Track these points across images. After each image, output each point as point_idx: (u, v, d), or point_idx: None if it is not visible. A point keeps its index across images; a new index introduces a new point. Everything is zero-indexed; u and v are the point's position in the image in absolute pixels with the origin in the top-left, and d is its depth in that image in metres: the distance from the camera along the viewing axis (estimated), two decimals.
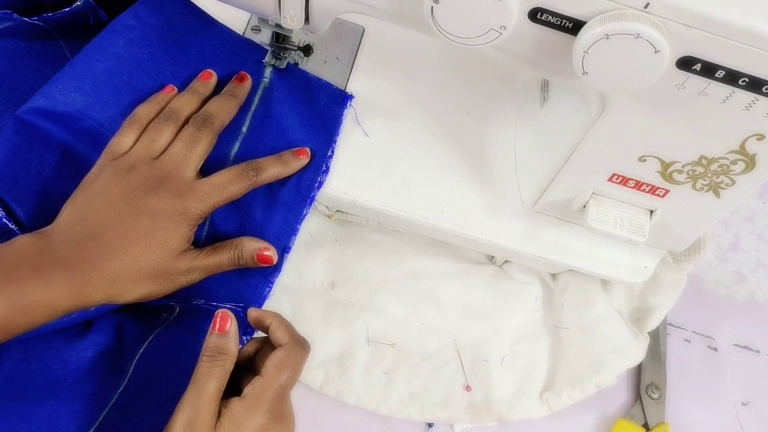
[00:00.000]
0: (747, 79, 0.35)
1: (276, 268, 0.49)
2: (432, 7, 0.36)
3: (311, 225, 0.59)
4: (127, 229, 0.45)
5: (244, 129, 0.51)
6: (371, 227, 0.60)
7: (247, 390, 0.40)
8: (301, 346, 0.42)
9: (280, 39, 0.53)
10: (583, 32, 0.35)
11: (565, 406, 0.55)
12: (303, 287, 0.57)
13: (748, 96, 0.36)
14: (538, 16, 0.36)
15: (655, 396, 0.58)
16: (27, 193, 0.48)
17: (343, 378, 0.54)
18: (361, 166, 0.53)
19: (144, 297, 0.46)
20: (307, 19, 0.44)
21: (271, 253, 0.48)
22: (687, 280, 0.60)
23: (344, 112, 0.53)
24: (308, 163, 0.51)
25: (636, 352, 0.56)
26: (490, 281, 0.59)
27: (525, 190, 0.54)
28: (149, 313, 0.49)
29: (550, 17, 0.36)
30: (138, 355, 0.46)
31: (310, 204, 0.50)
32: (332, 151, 0.52)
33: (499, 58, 0.41)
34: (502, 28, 0.36)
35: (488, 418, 0.55)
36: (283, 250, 0.49)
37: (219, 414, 0.39)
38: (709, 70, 0.35)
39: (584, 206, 0.49)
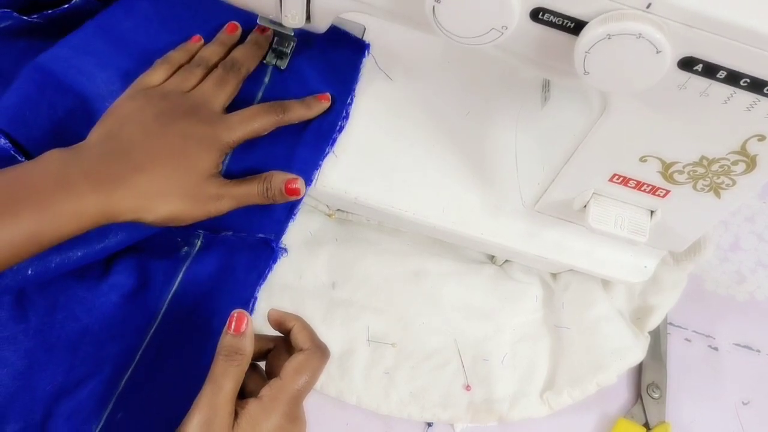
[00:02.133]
0: (748, 80, 0.35)
1: (299, 200, 0.50)
2: (434, 7, 0.36)
3: (311, 224, 0.59)
4: (159, 148, 0.46)
5: (266, 79, 0.53)
6: (372, 227, 0.60)
7: (265, 391, 0.40)
8: (321, 351, 0.42)
9: (282, 39, 0.53)
10: (585, 32, 0.35)
11: (565, 405, 0.55)
12: (303, 287, 0.57)
13: (749, 97, 0.36)
14: (539, 16, 0.36)
15: (656, 395, 0.58)
16: (37, 133, 0.49)
17: (343, 378, 0.54)
18: (362, 165, 0.53)
19: (172, 216, 0.46)
20: (308, 17, 0.44)
21: (299, 184, 0.48)
22: (687, 280, 0.60)
23: (363, 61, 0.54)
24: (329, 108, 0.52)
25: (636, 352, 0.56)
26: (491, 281, 0.59)
27: (525, 189, 0.54)
28: (168, 248, 0.49)
29: (552, 17, 0.36)
30: (170, 294, 0.47)
31: (332, 145, 0.51)
32: (351, 99, 0.53)
33: (500, 58, 0.41)
34: (504, 27, 0.36)
35: (489, 417, 0.55)
36: (307, 183, 0.50)
37: (236, 414, 0.39)
38: (710, 70, 0.35)
39: (585, 206, 0.49)
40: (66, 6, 0.53)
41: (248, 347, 0.41)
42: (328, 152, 0.51)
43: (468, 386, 0.55)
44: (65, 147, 0.45)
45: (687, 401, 0.58)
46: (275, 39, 0.53)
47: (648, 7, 0.33)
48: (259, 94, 0.52)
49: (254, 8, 0.46)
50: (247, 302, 0.47)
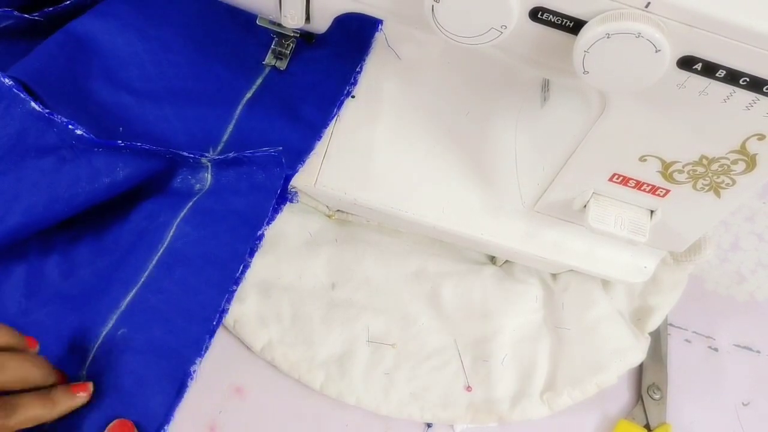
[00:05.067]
0: (748, 79, 0.35)
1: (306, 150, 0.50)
2: (433, 6, 0.36)
3: (311, 225, 0.58)
4: None
5: (259, 81, 0.53)
6: (371, 227, 0.60)
7: None
8: None
9: (282, 39, 0.53)
10: (584, 31, 0.35)
11: (565, 406, 0.55)
12: (303, 287, 0.56)
13: (748, 96, 0.36)
14: (538, 16, 0.36)
15: (657, 396, 0.58)
16: (54, 84, 0.49)
17: (343, 378, 0.54)
18: (362, 165, 0.53)
19: None
20: (307, 18, 0.44)
21: (85, 388, 0.44)
22: (687, 281, 0.60)
23: (375, 35, 0.55)
24: (339, 73, 0.54)
25: (636, 353, 0.56)
26: (491, 281, 0.59)
27: (525, 189, 0.54)
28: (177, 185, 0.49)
29: (551, 16, 0.36)
30: (177, 220, 0.48)
31: (339, 107, 0.52)
32: (361, 68, 0.54)
33: (499, 58, 0.41)
34: (503, 27, 0.36)
35: (489, 418, 0.54)
36: (315, 141, 0.50)
37: None
38: (709, 69, 0.35)
39: (585, 206, 0.48)
40: (67, 3, 0.53)
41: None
42: (336, 114, 0.52)
43: (469, 387, 0.55)
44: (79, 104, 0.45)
45: (687, 402, 0.58)
46: (275, 40, 0.53)
47: (647, 6, 0.34)
48: (248, 95, 0.52)
49: (254, 8, 0.46)
50: (249, 239, 0.47)
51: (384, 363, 0.55)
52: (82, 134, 0.45)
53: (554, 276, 0.61)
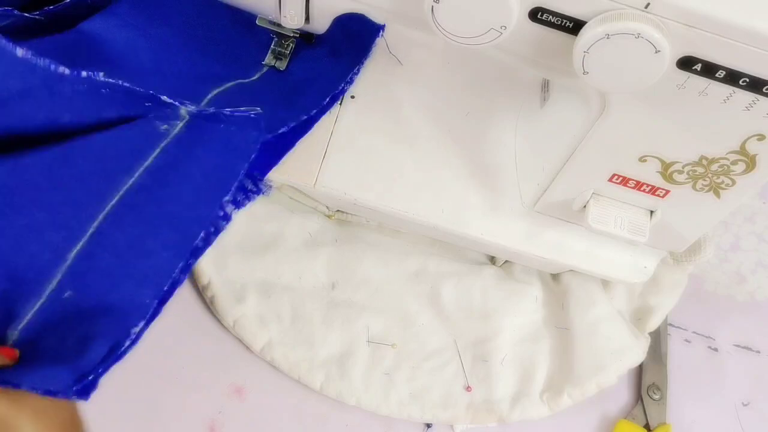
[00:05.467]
0: (747, 80, 0.35)
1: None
2: (432, 7, 0.36)
3: (311, 225, 0.58)
4: None
5: (255, 77, 0.53)
6: (371, 227, 0.60)
7: None
8: None
9: (281, 40, 0.53)
10: (584, 32, 0.35)
11: (565, 406, 0.55)
12: (303, 287, 0.56)
13: (748, 96, 0.36)
14: (538, 16, 0.36)
15: (656, 397, 0.58)
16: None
17: (343, 378, 0.54)
18: (362, 166, 0.53)
19: None
20: (307, 18, 0.44)
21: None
22: (687, 281, 0.60)
23: (376, 40, 0.54)
24: (336, 71, 0.53)
25: (636, 353, 0.56)
26: (491, 281, 0.59)
27: (525, 190, 0.54)
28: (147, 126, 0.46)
29: (551, 17, 0.36)
30: (141, 169, 0.44)
31: (333, 101, 0.52)
32: (358, 69, 0.54)
33: (499, 58, 0.41)
34: (503, 27, 0.36)
35: (489, 418, 0.54)
36: (306, 129, 0.49)
37: None
38: (709, 70, 0.35)
39: (584, 206, 0.48)
40: (68, 1, 0.53)
41: None
42: (329, 107, 0.51)
43: (469, 387, 0.55)
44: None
45: (687, 402, 0.58)
46: (274, 40, 0.53)
47: (647, 6, 0.34)
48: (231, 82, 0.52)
49: (254, 8, 0.46)
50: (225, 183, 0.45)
51: (384, 363, 0.55)
52: (63, 71, 0.41)
53: (554, 276, 0.61)
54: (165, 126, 0.45)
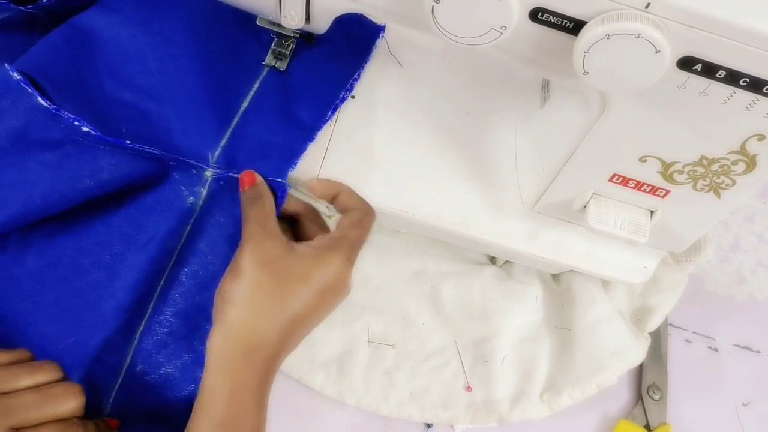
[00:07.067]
0: (748, 80, 0.35)
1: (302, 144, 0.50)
2: (433, 7, 0.36)
3: None
4: None
5: (256, 85, 0.53)
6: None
7: (323, 239, 0.43)
8: (372, 209, 0.47)
9: (281, 40, 0.53)
10: (584, 32, 0.35)
11: (565, 406, 0.55)
12: None
13: (748, 96, 0.36)
14: (538, 16, 0.36)
15: (657, 397, 0.58)
16: (58, 78, 0.49)
17: (343, 378, 0.54)
18: (362, 166, 0.53)
19: None
20: (307, 18, 0.44)
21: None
22: (687, 281, 0.60)
23: (376, 42, 0.55)
24: (337, 77, 0.53)
25: (637, 353, 0.56)
26: (491, 282, 0.59)
27: (525, 190, 0.54)
28: (172, 200, 0.49)
29: (551, 17, 0.36)
30: (179, 245, 0.48)
31: (333, 111, 0.52)
32: (359, 75, 0.54)
33: (499, 58, 0.41)
34: (503, 27, 0.36)
35: (489, 418, 0.54)
36: (307, 142, 0.50)
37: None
38: (709, 70, 0.35)
39: (585, 206, 0.48)
40: None
41: (266, 191, 0.45)
42: (330, 118, 0.52)
43: (469, 387, 0.55)
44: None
45: (687, 402, 0.58)
46: (274, 40, 0.53)
47: (647, 6, 0.33)
48: (245, 103, 0.52)
49: (254, 8, 0.46)
50: None
51: (384, 363, 0.55)
52: (88, 131, 0.45)
53: (554, 276, 0.61)
54: (191, 199, 0.49)
